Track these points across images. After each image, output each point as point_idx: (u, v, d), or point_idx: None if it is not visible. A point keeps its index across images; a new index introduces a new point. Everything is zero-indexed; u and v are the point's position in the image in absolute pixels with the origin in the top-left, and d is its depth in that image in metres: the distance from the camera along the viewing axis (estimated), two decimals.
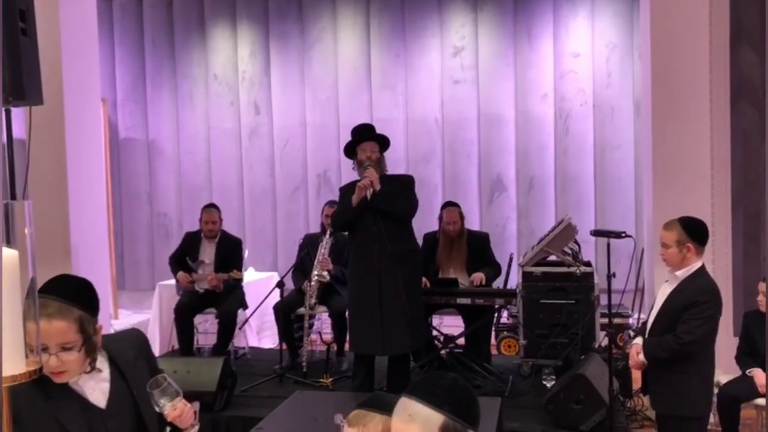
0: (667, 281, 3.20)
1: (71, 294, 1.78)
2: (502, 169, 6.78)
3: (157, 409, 1.81)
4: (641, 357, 3.08)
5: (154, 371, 1.93)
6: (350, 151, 4.45)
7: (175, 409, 1.80)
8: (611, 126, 6.58)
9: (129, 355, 1.92)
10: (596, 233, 3.68)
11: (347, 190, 4.44)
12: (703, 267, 3.13)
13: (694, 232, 3.13)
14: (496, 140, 6.77)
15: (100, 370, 1.84)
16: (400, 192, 4.32)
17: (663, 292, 3.17)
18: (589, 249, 6.06)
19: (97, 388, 1.83)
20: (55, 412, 1.75)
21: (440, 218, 5.24)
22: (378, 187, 4.20)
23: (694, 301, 2.99)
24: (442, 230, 5.19)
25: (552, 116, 6.67)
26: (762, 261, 4.96)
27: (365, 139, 4.37)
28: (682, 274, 3.10)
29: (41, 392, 1.75)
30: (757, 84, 4.85)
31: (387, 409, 1.58)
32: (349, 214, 4.31)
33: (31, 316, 1.43)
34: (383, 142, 4.46)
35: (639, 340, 3.18)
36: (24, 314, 1.23)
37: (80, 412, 1.79)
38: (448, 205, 5.29)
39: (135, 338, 2.02)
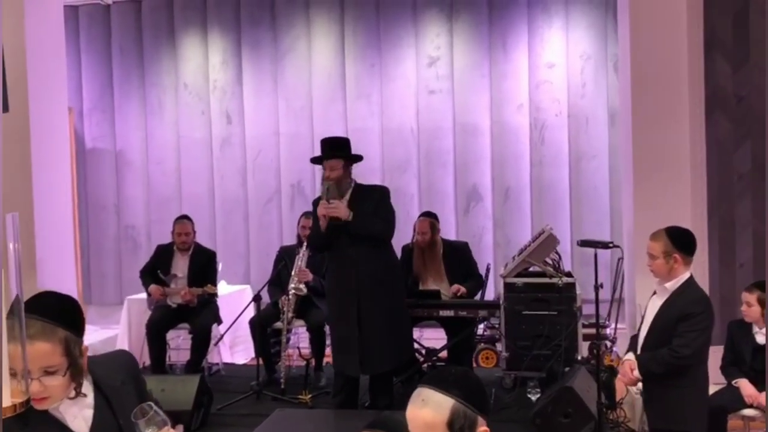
0: (655, 293, 3.16)
1: (55, 313, 1.63)
2: (478, 179, 6.75)
3: None
4: (636, 373, 3.03)
5: (143, 397, 1.79)
6: (319, 161, 4.38)
7: None
8: (586, 136, 6.60)
9: (116, 380, 1.77)
10: (583, 243, 3.65)
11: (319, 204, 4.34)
12: (692, 277, 3.09)
13: (681, 242, 3.09)
14: (472, 150, 6.75)
15: (84, 395, 1.69)
16: (377, 209, 4.21)
17: (653, 305, 3.12)
18: (566, 259, 6.04)
19: (79, 415, 1.69)
20: None
21: (414, 228, 5.23)
22: (346, 217, 4.08)
23: (688, 312, 2.95)
24: (415, 240, 5.18)
25: (527, 126, 6.67)
26: (738, 268, 5.00)
27: (329, 157, 4.26)
28: (671, 285, 3.06)
29: (17, 418, 1.49)
30: (730, 94, 4.91)
31: (394, 429, 1.53)
32: (321, 239, 4.21)
33: (15, 338, 1.35)
34: (350, 157, 4.34)
35: (630, 356, 3.13)
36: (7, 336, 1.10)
37: None
38: (422, 215, 5.28)
39: (123, 361, 1.87)
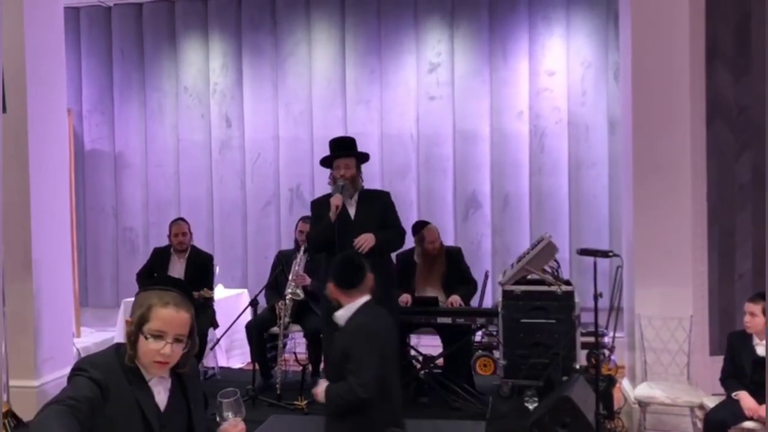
0: None
1: (187, 292, 1.94)
2: (477, 186, 6.73)
3: (218, 419, 1.95)
4: (321, 397, 2.85)
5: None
6: (329, 162, 4.37)
7: (236, 426, 1.99)
8: (586, 144, 6.59)
9: (192, 373, 2.04)
10: (582, 252, 3.62)
11: (321, 205, 4.32)
12: (364, 306, 2.86)
13: (334, 270, 2.89)
14: (472, 157, 6.73)
15: (165, 378, 1.95)
16: (386, 216, 4.26)
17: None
18: (564, 266, 6.02)
19: (162, 392, 1.94)
20: (137, 398, 1.88)
21: (421, 239, 5.12)
22: (374, 243, 4.14)
23: (348, 347, 2.74)
24: (423, 250, 5.09)
25: (527, 133, 6.65)
26: (738, 279, 4.98)
27: (343, 155, 4.27)
28: (341, 315, 2.86)
29: (126, 377, 1.87)
30: (731, 103, 4.90)
31: None
32: (326, 232, 4.19)
33: (167, 304, 1.89)
34: (361, 157, 4.38)
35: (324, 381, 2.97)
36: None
37: (151, 406, 1.91)
38: (425, 224, 5.21)
39: (194, 363, 2.12)
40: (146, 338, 1.85)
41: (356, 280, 2.88)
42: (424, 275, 5.08)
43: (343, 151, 4.29)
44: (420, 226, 5.21)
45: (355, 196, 4.29)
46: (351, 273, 2.89)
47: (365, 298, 2.87)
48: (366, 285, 2.91)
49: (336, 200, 4.14)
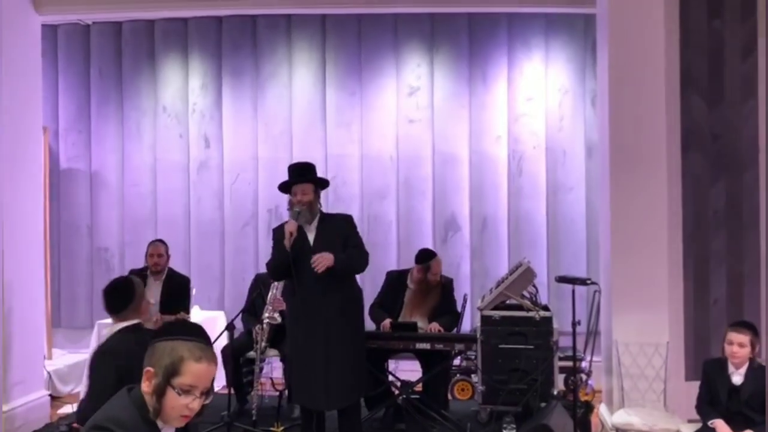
0: None
1: (206, 338, 1.92)
2: (456, 208, 6.75)
3: None
4: None
5: None
6: (287, 187, 4.34)
7: None
8: (563, 168, 6.65)
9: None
10: (561, 279, 3.63)
11: (281, 232, 4.26)
12: (122, 330, 3.04)
13: (103, 293, 3.12)
14: (451, 179, 6.75)
15: (171, 427, 1.92)
16: (347, 239, 4.21)
17: None
18: (542, 290, 6.04)
19: None
20: None
21: (427, 268, 5.06)
22: (332, 263, 4.07)
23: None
24: (425, 279, 5.06)
25: (505, 157, 6.70)
26: (713, 305, 5.02)
27: (300, 181, 4.25)
28: (105, 335, 3.11)
29: (147, 429, 1.84)
30: (706, 130, 4.97)
31: None
32: (284, 258, 4.12)
33: (199, 358, 1.84)
34: (319, 183, 4.34)
35: None
36: None
37: None
38: (433, 254, 5.16)
39: None
40: (178, 394, 1.80)
41: (118, 306, 3.02)
42: (415, 302, 5.06)
43: (300, 177, 4.26)
44: (428, 256, 5.13)
45: (315, 222, 4.25)
46: (114, 299, 3.03)
47: (128, 323, 3.00)
48: (134, 310, 3.06)
49: (290, 227, 4.10)
